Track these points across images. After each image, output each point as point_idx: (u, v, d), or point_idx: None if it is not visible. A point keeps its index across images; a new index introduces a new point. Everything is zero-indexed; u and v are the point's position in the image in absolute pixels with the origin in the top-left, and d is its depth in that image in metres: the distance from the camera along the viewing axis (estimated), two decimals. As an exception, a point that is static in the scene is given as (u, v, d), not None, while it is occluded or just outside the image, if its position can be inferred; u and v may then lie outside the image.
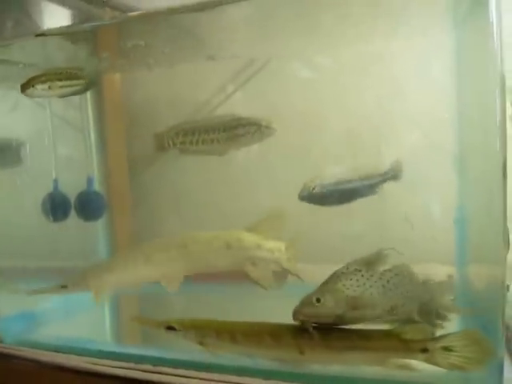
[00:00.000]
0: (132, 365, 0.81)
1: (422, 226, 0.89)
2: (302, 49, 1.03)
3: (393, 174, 0.85)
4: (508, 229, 0.84)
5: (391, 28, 0.91)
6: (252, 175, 1.11)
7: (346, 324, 0.69)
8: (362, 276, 0.67)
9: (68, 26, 0.93)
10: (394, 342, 0.67)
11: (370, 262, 0.69)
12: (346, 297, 0.67)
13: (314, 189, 0.85)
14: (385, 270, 0.68)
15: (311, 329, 0.68)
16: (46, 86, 0.94)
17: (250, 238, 0.90)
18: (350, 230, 0.98)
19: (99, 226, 1.25)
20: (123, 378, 0.79)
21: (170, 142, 0.92)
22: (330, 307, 0.67)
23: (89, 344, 0.89)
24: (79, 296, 1.11)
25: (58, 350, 0.89)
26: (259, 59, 1.08)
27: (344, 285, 0.67)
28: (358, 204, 0.95)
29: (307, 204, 0.87)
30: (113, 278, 0.92)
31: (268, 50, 1.07)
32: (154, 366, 0.80)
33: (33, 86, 0.93)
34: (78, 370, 0.84)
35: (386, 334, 0.68)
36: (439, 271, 0.91)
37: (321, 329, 0.70)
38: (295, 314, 0.68)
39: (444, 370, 0.68)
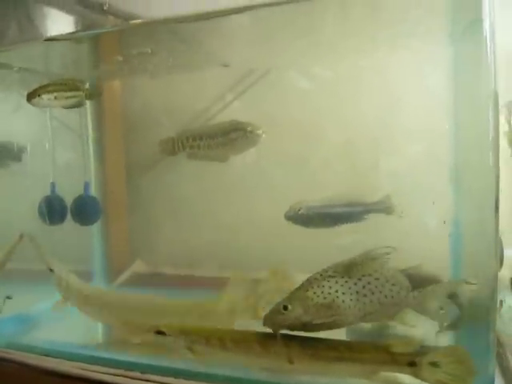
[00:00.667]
0: (121, 371, 0.81)
1: (418, 238, 0.89)
2: (300, 60, 1.04)
3: (384, 207, 0.87)
4: (502, 244, 0.85)
5: (391, 42, 0.92)
6: (249, 184, 1.12)
7: (316, 331, 0.68)
8: (336, 283, 0.67)
9: (71, 33, 0.94)
10: (382, 354, 0.67)
11: (352, 265, 0.68)
12: (314, 304, 0.66)
13: (299, 210, 0.87)
14: (364, 275, 0.67)
15: (279, 336, 0.68)
16: (52, 96, 0.96)
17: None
18: (346, 240, 0.98)
19: (94, 230, 1.25)
20: (112, 383, 0.79)
21: (180, 146, 0.93)
22: (297, 315, 0.67)
23: (79, 349, 0.89)
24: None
25: (48, 354, 0.89)
26: (258, 69, 1.09)
27: (315, 292, 0.67)
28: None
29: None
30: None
31: (267, 60, 1.08)
32: (143, 373, 0.79)
33: (39, 96, 0.95)
34: (67, 374, 0.83)
35: (374, 347, 0.68)
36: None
37: (310, 339, 0.70)
38: (264, 321, 0.69)
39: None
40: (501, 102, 0.88)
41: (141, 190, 1.25)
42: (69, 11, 1.01)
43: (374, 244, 0.95)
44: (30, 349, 0.91)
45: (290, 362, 0.70)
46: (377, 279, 0.67)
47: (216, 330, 0.76)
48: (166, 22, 0.89)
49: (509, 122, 0.86)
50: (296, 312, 0.66)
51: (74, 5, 1.01)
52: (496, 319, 0.68)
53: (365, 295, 0.66)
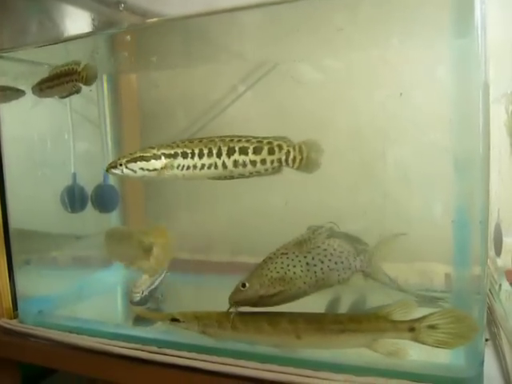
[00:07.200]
0: (139, 346, 0.87)
1: (422, 225, 0.92)
2: (310, 52, 1.07)
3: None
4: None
5: (399, 37, 0.94)
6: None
7: (273, 303, 0.76)
8: (287, 258, 0.76)
9: (89, 33, 0.99)
10: (382, 323, 0.72)
11: (301, 242, 0.77)
12: (269, 279, 0.75)
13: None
14: (313, 248, 0.76)
15: (234, 311, 0.77)
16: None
17: None
18: (352, 227, 1.01)
19: (113, 217, 1.31)
20: (130, 357, 0.85)
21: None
22: (254, 290, 0.75)
23: (101, 326, 0.96)
24: (93, 282, 1.18)
25: (72, 330, 0.96)
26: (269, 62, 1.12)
27: (269, 268, 0.76)
28: (362, 202, 1.00)
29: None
30: None
31: (278, 52, 1.11)
32: (159, 347, 0.85)
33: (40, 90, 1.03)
34: (90, 349, 0.90)
35: (375, 316, 0.73)
36: (438, 270, 0.96)
37: (315, 314, 0.78)
38: (229, 300, 0.77)
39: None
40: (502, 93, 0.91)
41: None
42: (85, 8, 1.05)
43: (381, 230, 0.99)
44: (56, 326, 0.98)
45: (298, 337, 0.76)
46: (325, 250, 0.76)
47: (226, 312, 0.80)
48: (182, 19, 0.92)
49: (507, 112, 0.89)
50: (253, 287, 0.76)
51: (90, 2, 1.05)
52: (486, 301, 0.72)
53: (315, 265, 0.75)
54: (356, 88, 1.00)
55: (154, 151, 0.79)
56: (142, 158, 0.78)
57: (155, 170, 0.79)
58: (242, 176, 0.81)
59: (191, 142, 0.80)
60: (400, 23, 0.85)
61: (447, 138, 0.79)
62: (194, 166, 0.79)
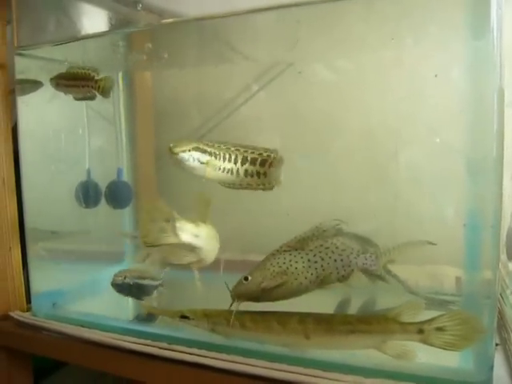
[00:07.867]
0: (149, 342, 0.88)
1: (433, 228, 0.92)
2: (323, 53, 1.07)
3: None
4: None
5: (414, 38, 0.93)
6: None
7: (276, 297, 0.78)
8: (290, 254, 0.78)
9: (105, 32, 1.00)
10: (391, 324, 0.72)
11: (304, 239, 0.79)
12: (271, 273, 0.77)
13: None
14: (315, 246, 0.78)
15: (237, 305, 0.79)
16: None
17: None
18: (363, 228, 1.01)
19: (126, 213, 1.32)
20: (140, 352, 0.86)
21: None
22: (256, 283, 0.78)
23: (112, 321, 0.97)
24: (105, 276, 1.19)
25: (83, 325, 0.97)
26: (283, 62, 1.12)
27: (271, 263, 0.78)
28: (373, 203, 1.00)
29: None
30: None
31: (291, 53, 1.11)
32: (169, 344, 0.86)
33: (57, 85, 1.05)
34: (100, 343, 0.91)
35: (384, 318, 0.73)
36: (449, 273, 0.95)
37: (324, 315, 0.78)
38: (231, 293, 0.79)
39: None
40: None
41: (170, 175, 1.31)
42: (103, 6, 1.07)
43: (390, 231, 0.99)
44: (68, 320, 1.00)
45: (307, 337, 0.77)
46: (327, 248, 0.78)
47: (236, 311, 0.81)
48: (196, 20, 0.93)
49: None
50: (255, 280, 0.78)
51: (108, 0, 1.07)
52: (496, 306, 0.72)
53: (315, 261, 0.77)
54: (369, 89, 0.99)
55: (202, 145, 0.81)
56: (198, 149, 0.81)
57: (203, 163, 0.81)
58: (250, 187, 0.83)
59: (219, 145, 0.83)
60: (414, 23, 0.84)
61: (461, 140, 0.78)
62: (218, 168, 0.82)
